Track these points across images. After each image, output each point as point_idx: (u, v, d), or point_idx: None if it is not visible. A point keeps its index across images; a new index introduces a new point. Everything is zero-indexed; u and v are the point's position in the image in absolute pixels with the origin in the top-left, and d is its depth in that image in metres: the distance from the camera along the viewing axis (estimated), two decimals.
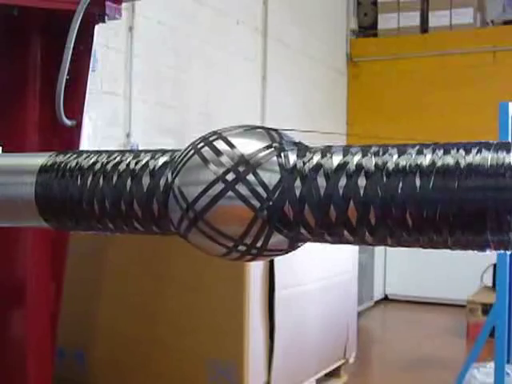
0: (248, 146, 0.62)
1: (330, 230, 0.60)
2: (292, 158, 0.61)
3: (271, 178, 0.60)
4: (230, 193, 0.61)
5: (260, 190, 0.60)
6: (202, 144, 0.64)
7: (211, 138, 0.64)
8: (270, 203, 0.60)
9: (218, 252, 0.64)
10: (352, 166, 0.58)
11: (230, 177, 0.61)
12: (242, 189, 0.61)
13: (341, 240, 0.60)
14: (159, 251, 2.63)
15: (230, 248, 0.63)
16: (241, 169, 0.61)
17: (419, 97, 6.40)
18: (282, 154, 0.61)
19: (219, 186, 0.61)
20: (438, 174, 0.55)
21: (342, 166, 0.59)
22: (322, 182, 0.59)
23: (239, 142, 0.63)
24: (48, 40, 1.86)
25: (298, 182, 0.60)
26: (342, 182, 0.58)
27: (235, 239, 0.62)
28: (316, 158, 0.61)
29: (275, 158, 0.61)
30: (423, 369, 3.78)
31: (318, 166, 0.60)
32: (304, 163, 0.60)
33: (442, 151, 0.56)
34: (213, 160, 0.62)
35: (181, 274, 2.60)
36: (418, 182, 0.55)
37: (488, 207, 0.53)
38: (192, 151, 0.64)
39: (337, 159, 0.60)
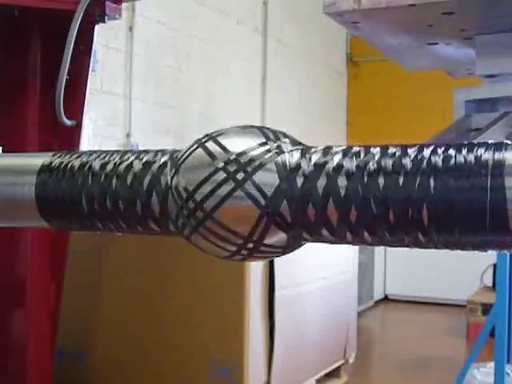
0: (246, 153, 0.62)
1: (332, 234, 0.60)
2: (290, 161, 0.62)
3: (269, 185, 0.61)
4: (238, 192, 0.61)
5: (259, 198, 0.61)
6: (199, 150, 0.64)
7: (207, 144, 0.64)
8: (271, 211, 0.61)
9: (222, 254, 0.65)
10: (352, 167, 0.58)
11: (230, 185, 0.61)
12: (241, 196, 0.61)
13: (342, 241, 0.61)
14: (160, 251, 2.63)
15: (233, 252, 0.64)
16: (239, 177, 0.61)
17: (419, 97, 6.40)
18: (280, 160, 0.61)
19: (229, 186, 0.61)
20: (438, 174, 0.55)
21: (342, 167, 0.59)
22: (320, 187, 0.59)
23: (236, 148, 0.63)
24: (48, 40, 1.86)
25: (296, 189, 0.60)
26: (342, 182, 0.58)
27: (238, 244, 0.63)
28: (316, 158, 0.61)
29: (273, 166, 0.61)
30: (423, 369, 3.78)
31: (317, 170, 0.60)
32: (302, 167, 0.61)
33: (441, 151, 0.56)
34: (210, 168, 0.62)
35: (181, 275, 2.60)
36: (417, 182, 0.55)
37: (487, 207, 0.53)
38: (189, 158, 0.64)
39: (337, 159, 0.60)
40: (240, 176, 0.61)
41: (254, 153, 0.62)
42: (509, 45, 1.33)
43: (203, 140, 0.65)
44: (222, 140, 0.64)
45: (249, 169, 0.61)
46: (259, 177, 0.61)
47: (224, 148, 0.63)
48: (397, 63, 1.74)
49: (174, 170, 0.65)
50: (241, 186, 0.61)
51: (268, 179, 0.61)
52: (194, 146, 0.65)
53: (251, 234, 0.62)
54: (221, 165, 0.62)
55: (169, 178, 0.66)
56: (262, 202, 0.61)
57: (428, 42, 1.46)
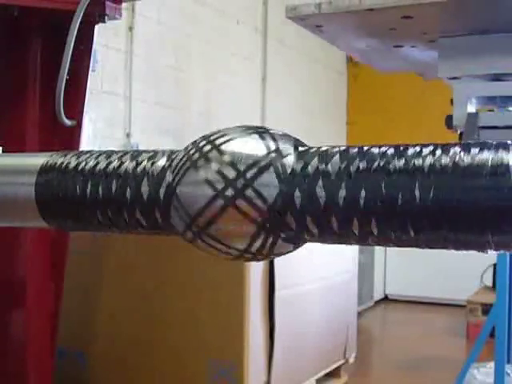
0: (244, 157, 0.61)
1: (334, 235, 0.60)
2: (290, 164, 0.60)
3: (270, 190, 0.60)
4: (230, 209, 0.61)
5: (260, 203, 0.60)
6: (197, 155, 0.63)
7: (205, 149, 0.63)
8: (272, 215, 0.60)
9: (225, 257, 0.65)
10: (353, 169, 0.58)
11: (230, 193, 0.60)
12: (241, 204, 0.60)
13: (346, 242, 0.61)
14: (160, 251, 2.63)
15: (237, 256, 0.64)
16: (239, 184, 0.60)
17: (419, 97, 6.39)
18: (279, 163, 0.60)
19: (219, 202, 0.61)
20: (438, 174, 0.55)
21: (342, 171, 0.58)
22: (320, 189, 0.58)
23: (234, 153, 0.61)
24: (48, 40, 1.86)
25: (297, 192, 0.59)
26: (342, 186, 0.58)
27: (241, 250, 0.63)
28: (314, 163, 0.60)
29: (272, 170, 0.60)
30: (423, 369, 3.78)
31: (317, 172, 0.59)
32: (302, 170, 0.60)
33: (440, 151, 0.56)
34: (209, 175, 0.61)
35: (181, 274, 2.60)
36: (418, 182, 0.55)
37: (488, 207, 0.53)
38: (188, 163, 0.63)
39: (336, 163, 0.59)
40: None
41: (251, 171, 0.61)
42: (470, 47, 1.32)
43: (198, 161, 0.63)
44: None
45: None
46: (257, 191, 0.60)
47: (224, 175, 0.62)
48: (366, 65, 1.73)
49: (173, 186, 0.64)
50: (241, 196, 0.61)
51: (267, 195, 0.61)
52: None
53: (249, 246, 0.62)
54: (220, 189, 0.61)
55: (169, 190, 0.65)
56: (267, 225, 0.60)
57: (393, 44, 1.45)
